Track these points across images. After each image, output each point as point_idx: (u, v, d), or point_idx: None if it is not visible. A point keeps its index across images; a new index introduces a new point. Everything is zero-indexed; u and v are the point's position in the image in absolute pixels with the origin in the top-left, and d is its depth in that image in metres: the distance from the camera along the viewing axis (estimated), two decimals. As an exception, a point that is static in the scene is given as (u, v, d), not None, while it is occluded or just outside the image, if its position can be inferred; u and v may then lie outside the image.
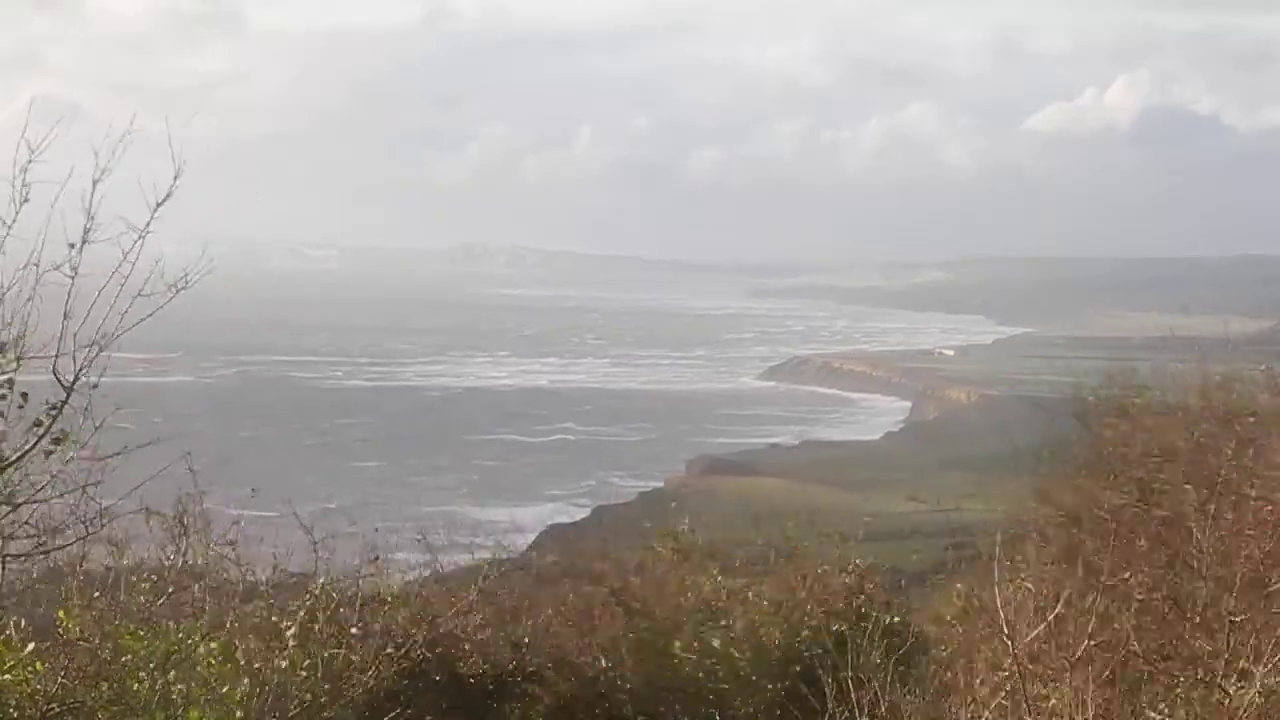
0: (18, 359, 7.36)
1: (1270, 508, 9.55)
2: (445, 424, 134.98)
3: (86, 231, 7.48)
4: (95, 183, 7.47)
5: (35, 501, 7.58)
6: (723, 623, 12.88)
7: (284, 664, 10.09)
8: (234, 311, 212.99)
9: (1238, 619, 7.89)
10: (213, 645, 9.59)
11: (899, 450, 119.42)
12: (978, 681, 8.18)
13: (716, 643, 12.64)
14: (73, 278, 7.44)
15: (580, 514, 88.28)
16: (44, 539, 7.94)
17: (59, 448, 7.50)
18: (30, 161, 7.29)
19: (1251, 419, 11.42)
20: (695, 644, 12.61)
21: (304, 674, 10.19)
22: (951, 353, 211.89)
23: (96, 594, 9.78)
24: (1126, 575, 8.69)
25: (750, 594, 13.40)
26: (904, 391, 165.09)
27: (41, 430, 7.38)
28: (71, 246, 7.44)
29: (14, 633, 8.52)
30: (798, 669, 12.24)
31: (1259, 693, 6.95)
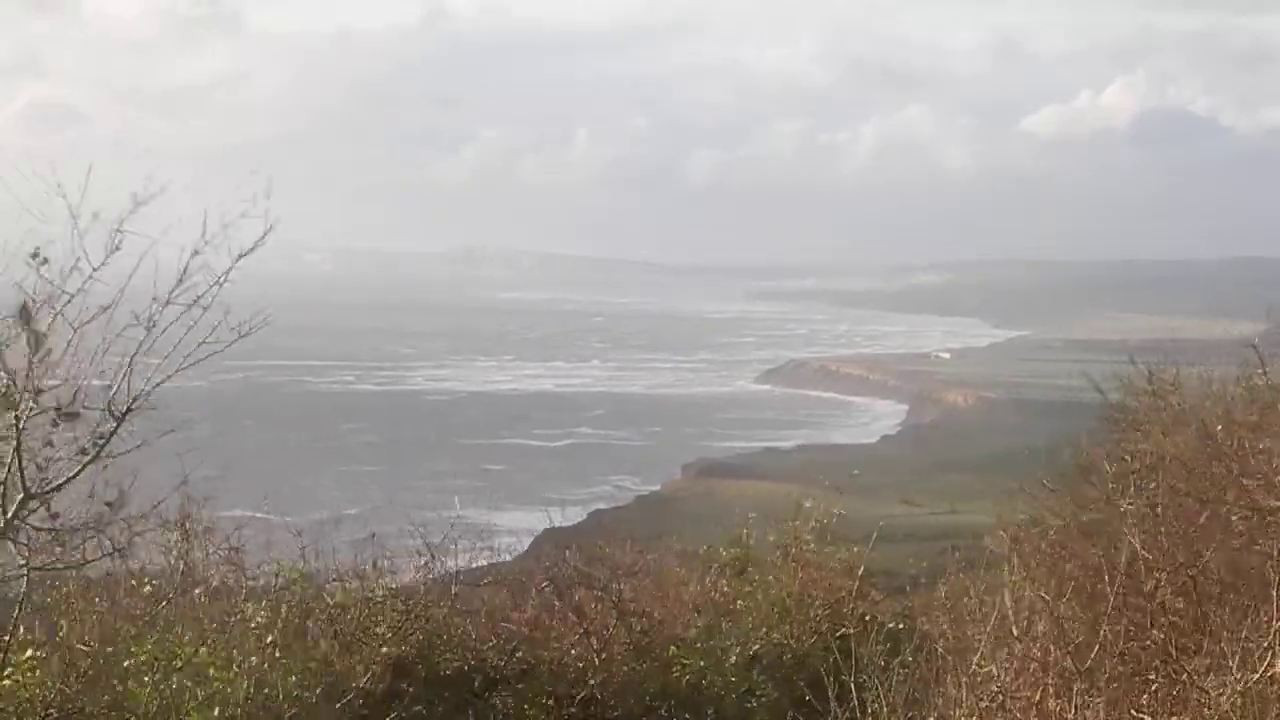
0: (75, 394, 7.39)
1: (1249, 512, 9.60)
2: (454, 429, 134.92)
3: (173, 293, 7.51)
4: (195, 254, 7.50)
5: (55, 517, 7.60)
6: (740, 641, 12.89)
7: (281, 667, 10.14)
8: (233, 314, 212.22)
9: (1215, 621, 7.96)
10: (213, 650, 9.63)
11: (896, 453, 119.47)
12: (969, 684, 8.22)
13: (731, 658, 12.65)
14: (148, 329, 7.51)
15: (578, 518, 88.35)
16: (71, 551, 7.97)
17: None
18: (132, 213, 7.29)
19: (1246, 422, 11.48)
20: (697, 645, 12.63)
21: (300, 676, 10.24)
22: (948, 355, 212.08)
23: (97, 599, 9.83)
24: (1109, 580, 8.72)
25: (758, 595, 13.43)
26: (900, 395, 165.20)
27: (88, 458, 7.42)
28: (155, 301, 7.48)
29: (14, 638, 8.55)
30: (803, 674, 12.27)
31: (1236, 693, 7.01)
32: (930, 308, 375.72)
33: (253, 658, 9.89)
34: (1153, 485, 10.73)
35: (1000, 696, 7.87)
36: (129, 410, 7.47)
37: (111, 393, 7.44)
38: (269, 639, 10.26)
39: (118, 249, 7.26)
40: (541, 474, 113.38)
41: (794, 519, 14.38)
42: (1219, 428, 11.42)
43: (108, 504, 7.81)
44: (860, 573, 13.69)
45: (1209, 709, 7.13)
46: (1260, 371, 12.92)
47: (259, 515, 13.16)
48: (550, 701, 12.10)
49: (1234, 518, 9.70)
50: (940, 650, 10.73)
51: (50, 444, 7.33)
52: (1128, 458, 12.13)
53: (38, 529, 7.44)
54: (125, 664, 9.20)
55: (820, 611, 13.06)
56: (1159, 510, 9.93)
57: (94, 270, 7.27)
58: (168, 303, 7.48)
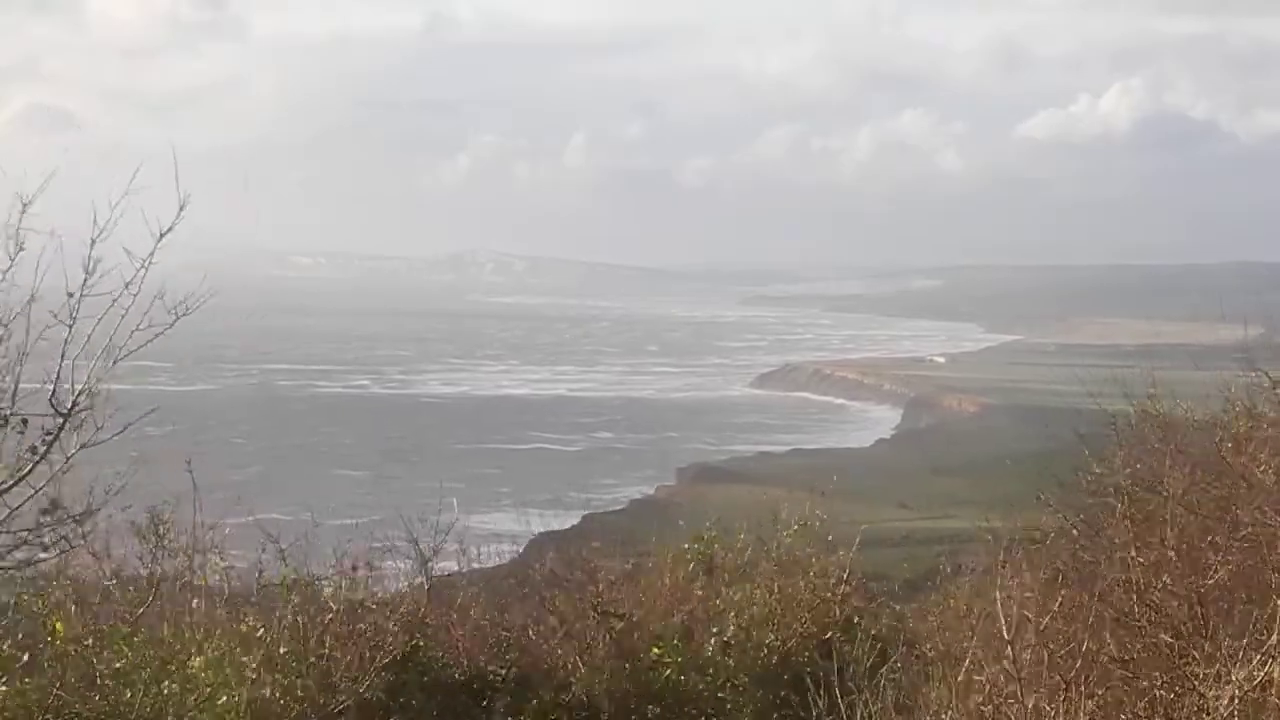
0: (14, 394, 7.43)
1: (1248, 517, 9.61)
2: (462, 433, 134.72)
3: (84, 284, 7.60)
4: (93, 241, 7.63)
5: (19, 513, 7.62)
6: (714, 629, 12.91)
7: (274, 672, 10.13)
8: (237, 320, 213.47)
9: (1215, 627, 7.95)
10: (205, 655, 9.61)
11: (890, 458, 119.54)
12: (962, 690, 8.22)
13: (708, 649, 12.67)
14: (71, 325, 7.57)
15: (572, 521, 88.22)
16: (32, 549, 7.97)
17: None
18: (24, 211, 7.45)
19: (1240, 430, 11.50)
20: (676, 643, 12.62)
21: (293, 682, 10.23)
22: (942, 360, 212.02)
23: (84, 603, 9.81)
24: (1109, 583, 8.73)
25: (741, 599, 13.42)
26: (895, 399, 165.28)
27: (36, 458, 7.45)
28: (70, 296, 7.60)
29: (6, 645, 8.54)
30: (787, 676, 12.27)
31: (1234, 697, 7.01)
32: (927, 312, 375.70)
33: (245, 663, 9.88)
34: (1158, 486, 10.72)
35: (990, 703, 7.87)
36: (74, 406, 7.50)
37: (51, 391, 7.49)
38: (262, 644, 10.25)
39: (22, 249, 7.36)
40: (541, 478, 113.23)
41: (773, 523, 14.41)
42: (1227, 445, 11.38)
43: (94, 509, 7.81)
44: (845, 575, 13.67)
45: (1206, 715, 7.13)
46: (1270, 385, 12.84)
47: (259, 518, 13.12)
48: (535, 702, 12.10)
49: (1233, 540, 9.69)
50: (930, 655, 10.75)
51: None
52: (1134, 459, 12.13)
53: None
54: (117, 666, 9.19)
55: (805, 614, 13.05)
56: (1163, 514, 9.92)
57: (3, 274, 7.37)
58: (82, 295, 7.58)
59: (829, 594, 13.25)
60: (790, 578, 13.41)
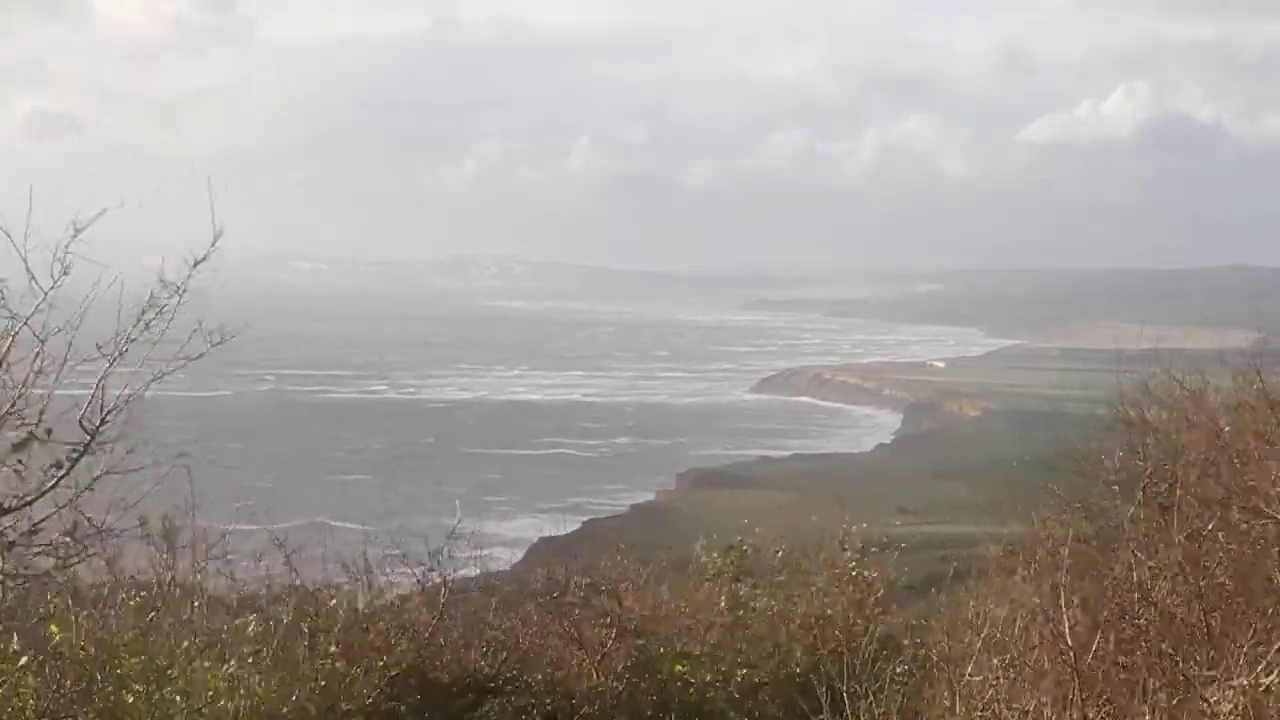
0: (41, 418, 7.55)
1: (1254, 520, 9.59)
2: (472, 439, 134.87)
3: (136, 327, 7.68)
4: (151, 295, 7.74)
5: (20, 507, 7.72)
6: (746, 655, 12.86)
7: (274, 680, 10.12)
8: (243, 324, 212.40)
9: (1220, 630, 7.94)
10: (205, 662, 9.61)
11: (891, 462, 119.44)
12: (963, 694, 8.21)
13: (737, 676, 12.60)
14: (112, 361, 7.79)
15: (573, 526, 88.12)
16: (47, 559, 8.08)
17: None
18: (74, 238, 7.61)
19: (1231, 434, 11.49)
20: (702, 660, 12.58)
21: (293, 690, 10.23)
22: (943, 364, 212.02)
23: (87, 610, 9.81)
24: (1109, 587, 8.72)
25: (755, 607, 13.40)
26: (895, 404, 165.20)
27: (61, 473, 7.61)
28: (119, 335, 7.83)
29: (5, 647, 8.54)
30: (794, 682, 12.24)
31: (1239, 703, 6.99)
32: (930, 317, 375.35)
33: (246, 671, 9.87)
34: (1163, 488, 10.71)
35: (994, 706, 7.87)
36: (101, 425, 7.63)
37: (83, 410, 7.62)
38: (262, 652, 10.24)
39: (66, 274, 7.51)
40: (552, 483, 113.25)
41: (841, 538, 14.22)
42: (1228, 430, 11.37)
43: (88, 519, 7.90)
44: (880, 593, 13.56)
45: (1210, 718, 7.11)
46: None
47: (269, 527, 13.14)
48: (542, 713, 12.04)
49: (1244, 525, 9.67)
50: (935, 659, 10.74)
51: (20, 463, 7.50)
52: (1139, 460, 12.10)
53: (11, 542, 7.59)
54: (117, 673, 9.19)
55: (838, 633, 12.93)
56: (1168, 515, 9.90)
57: (45, 294, 7.51)
58: (129, 340, 7.75)
59: (866, 609, 13.15)
60: (829, 593, 13.33)
